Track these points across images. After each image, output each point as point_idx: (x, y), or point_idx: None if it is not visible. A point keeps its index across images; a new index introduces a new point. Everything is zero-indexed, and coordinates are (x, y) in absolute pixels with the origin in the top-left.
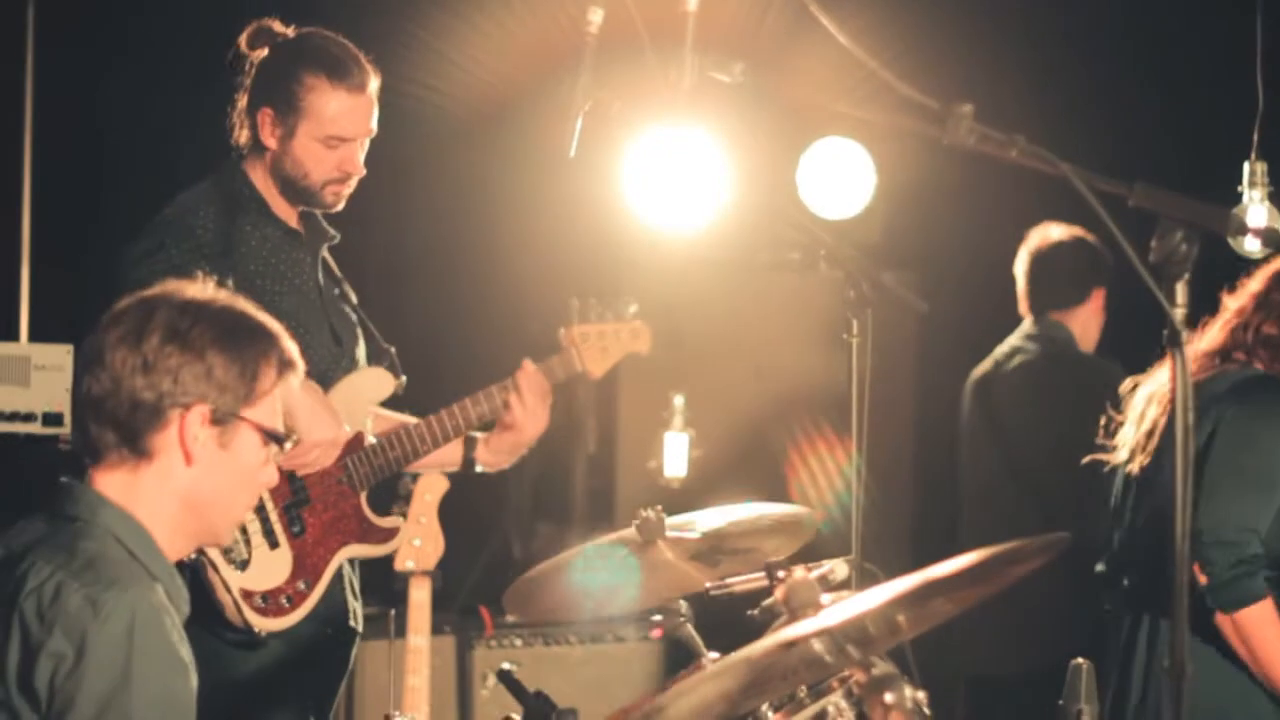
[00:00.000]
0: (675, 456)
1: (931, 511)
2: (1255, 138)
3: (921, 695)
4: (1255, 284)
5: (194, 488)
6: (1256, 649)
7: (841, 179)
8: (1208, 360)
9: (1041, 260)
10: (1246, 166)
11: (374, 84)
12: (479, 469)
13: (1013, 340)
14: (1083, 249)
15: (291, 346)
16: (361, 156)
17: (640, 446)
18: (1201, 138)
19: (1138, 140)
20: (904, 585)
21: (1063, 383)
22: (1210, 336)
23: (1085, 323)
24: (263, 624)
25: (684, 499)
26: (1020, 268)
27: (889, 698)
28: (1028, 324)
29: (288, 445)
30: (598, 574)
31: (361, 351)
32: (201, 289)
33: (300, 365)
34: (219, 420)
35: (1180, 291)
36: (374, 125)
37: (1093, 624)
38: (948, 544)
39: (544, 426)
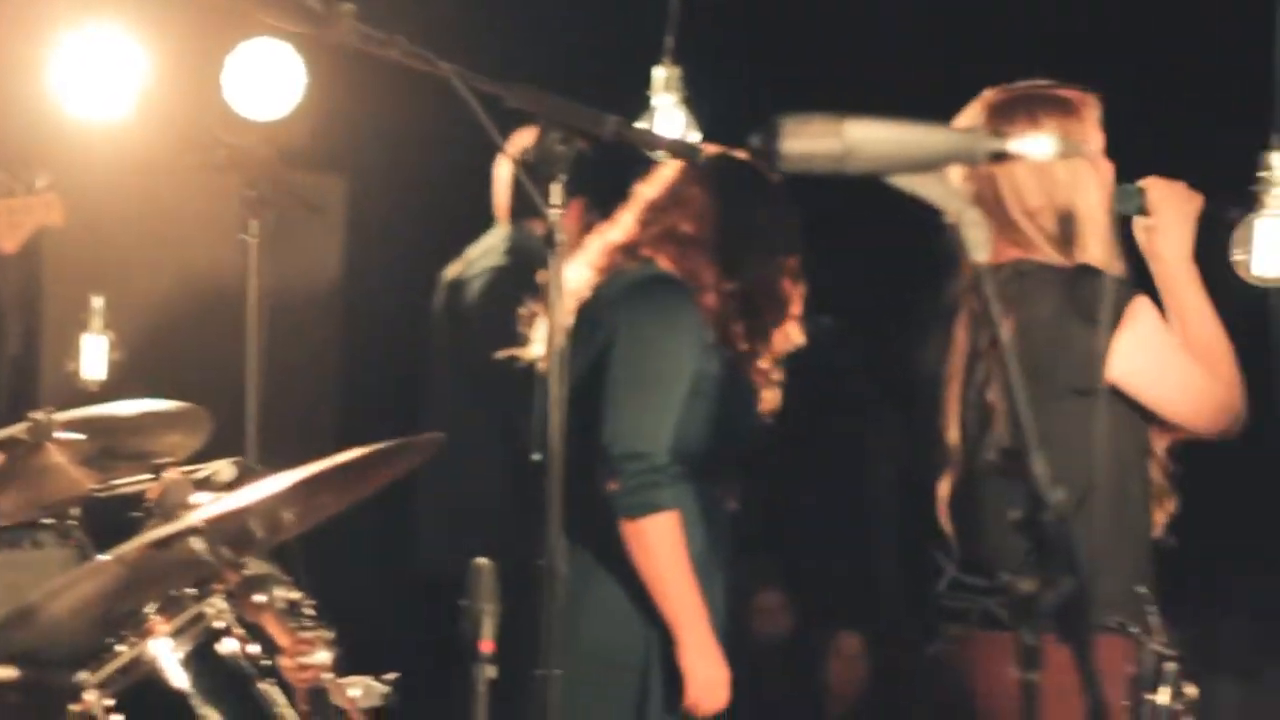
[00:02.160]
0: (93, 359)
1: (359, 412)
2: (669, 42)
3: (298, 595)
4: (668, 176)
5: None
6: (655, 558)
7: (269, 80)
8: (617, 254)
9: (518, 167)
10: (657, 72)
11: None
12: None
13: (485, 244)
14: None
15: None
16: None
17: (62, 348)
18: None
19: (557, 47)
20: (277, 484)
21: (528, 291)
22: (622, 227)
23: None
24: None
25: (103, 402)
26: (498, 173)
27: (259, 598)
28: (504, 230)
29: None
30: None
31: None
32: None
33: None
34: None
35: (556, 192)
36: None
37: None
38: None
39: None
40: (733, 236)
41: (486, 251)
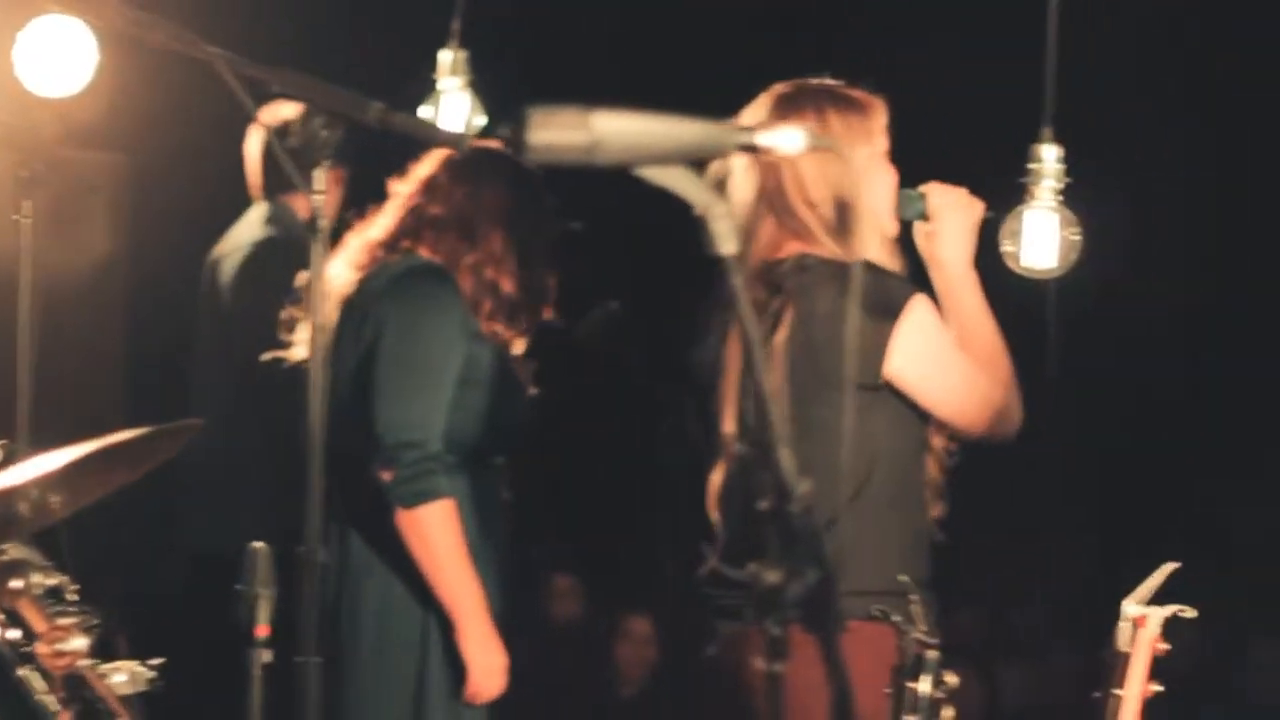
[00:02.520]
0: None
1: (143, 395)
2: (456, 26)
3: (58, 580)
4: (424, 168)
5: None
6: (432, 547)
7: (61, 58)
8: (378, 250)
9: (270, 141)
10: (443, 55)
11: None
12: None
13: (245, 221)
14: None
15: None
16: None
17: None
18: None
19: (346, 30)
20: (39, 467)
21: (284, 269)
22: (381, 224)
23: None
24: None
25: None
26: (249, 149)
27: (15, 583)
28: (261, 207)
29: None
30: None
31: None
32: None
33: None
34: None
35: (319, 177)
36: None
37: None
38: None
39: None
40: (490, 222)
41: (243, 229)
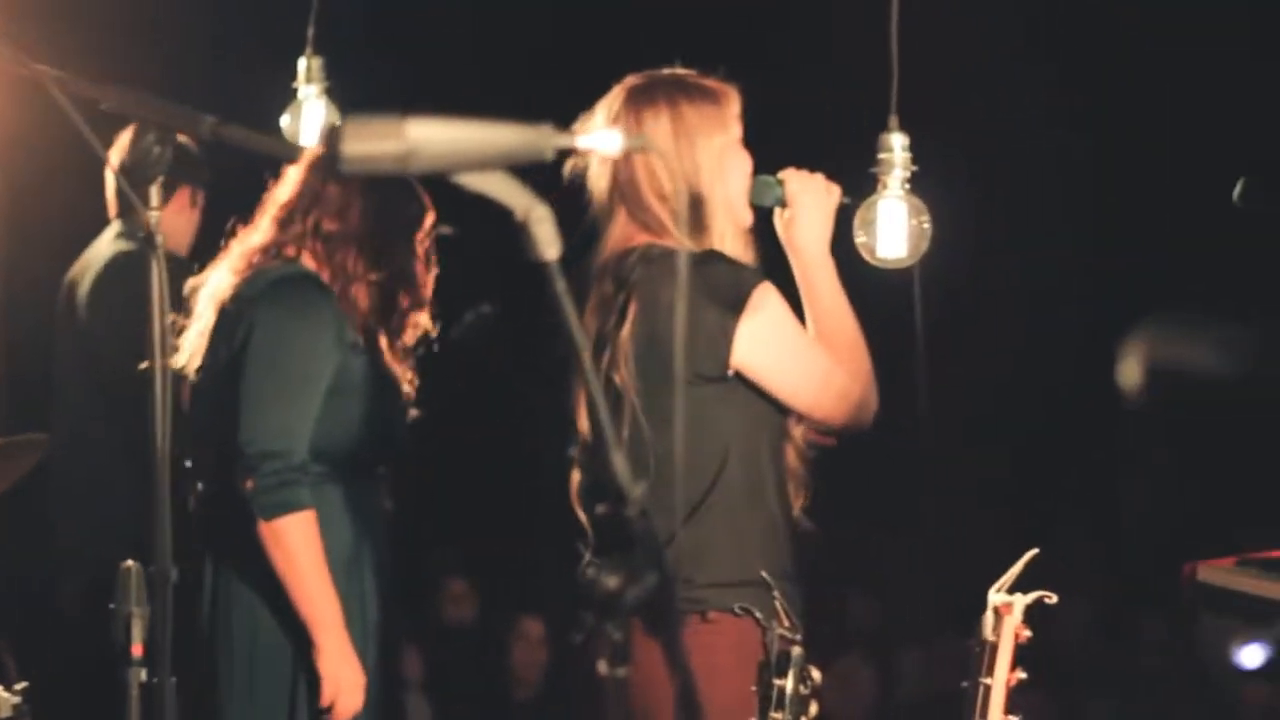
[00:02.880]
0: None
1: (23, 410)
2: (310, 32)
3: None
4: (300, 175)
5: None
6: (292, 559)
7: None
8: (256, 256)
9: (115, 173)
10: (302, 62)
11: None
12: None
13: (99, 241)
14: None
15: None
16: None
17: None
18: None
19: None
20: None
21: (138, 283)
22: (260, 230)
23: (171, 223)
24: None
25: None
26: (109, 166)
27: None
28: (114, 225)
29: None
30: None
31: None
32: None
33: None
34: None
35: (155, 194)
36: None
37: None
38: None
39: None
40: (375, 228)
41: (97, 247)
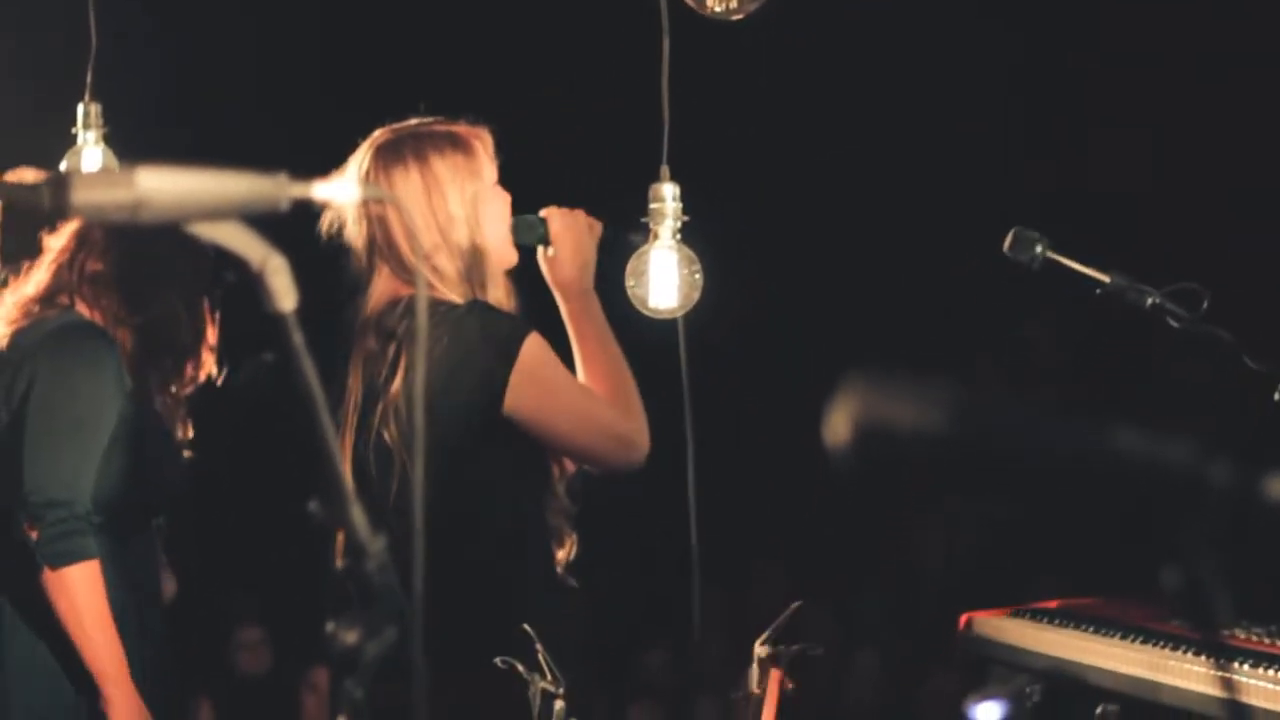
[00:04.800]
0: None
1: None
2: (89, 77)
3: None
4: (79, 223)
5: None
6: (77, 609)
7: None
8: (33, 306)
9: None
10: (81, 108)
11: None
12: None
13: None
14: None
15: None
16: None
17: None
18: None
19: None
20: None
21: None
22: (35, 280)
23: None
24: None
25: None
26: None
27: None
28: None
29: None
30: None
31: None
32: None
33: None
34: None
35: None
36: None
37: None
38: None
39: None
40: (134, 271)
41: None
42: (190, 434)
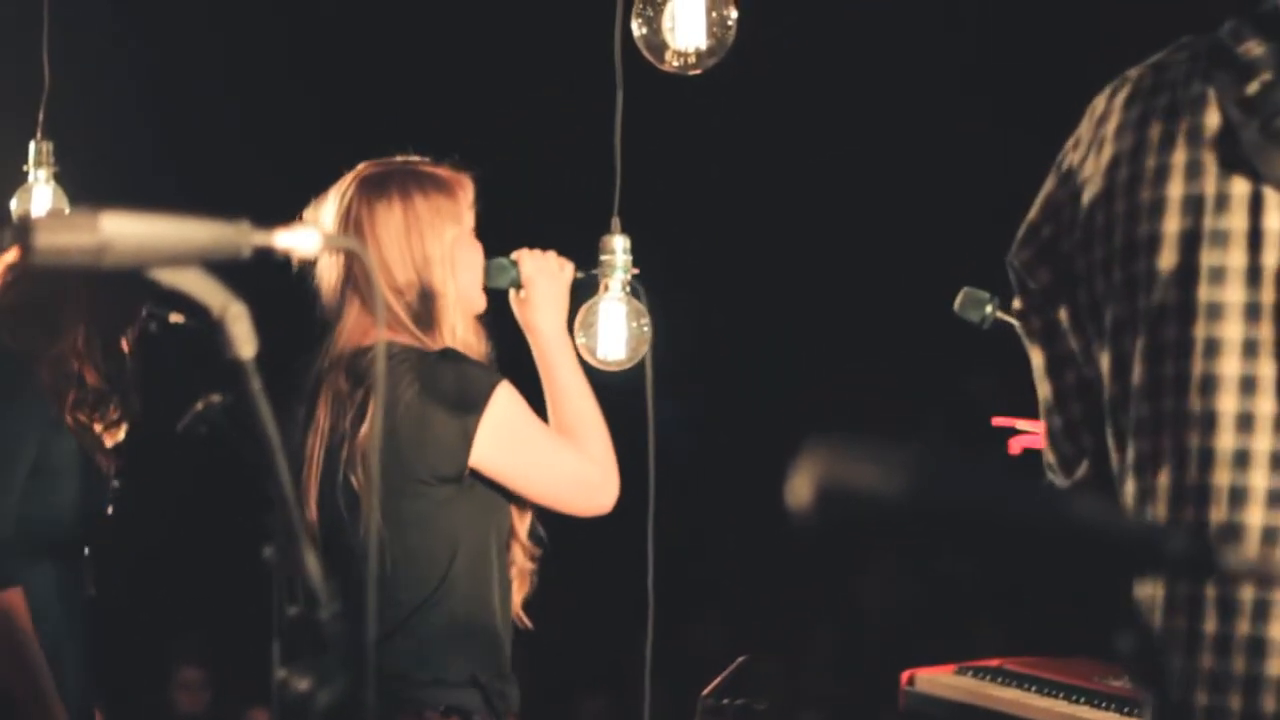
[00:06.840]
0: None
1: None
2: (41, 116)
3: None
4: (5, 255)
5: None
6: (9, 635)
7: None
8: None
9: None
10: (33, 146)
11: None
12: None
13: None
14: None
15: None
16: None
17: None
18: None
19: None
20: None
21: None
22: None
23: None
24: None
25: None
26: None
27: None
28: None
29: None
30: None
31: None
32: None
33: None
34: None
35: None
36: None
37: None
38: None
39: None
40: (72, 312)
41: None
42: (114, 468)
